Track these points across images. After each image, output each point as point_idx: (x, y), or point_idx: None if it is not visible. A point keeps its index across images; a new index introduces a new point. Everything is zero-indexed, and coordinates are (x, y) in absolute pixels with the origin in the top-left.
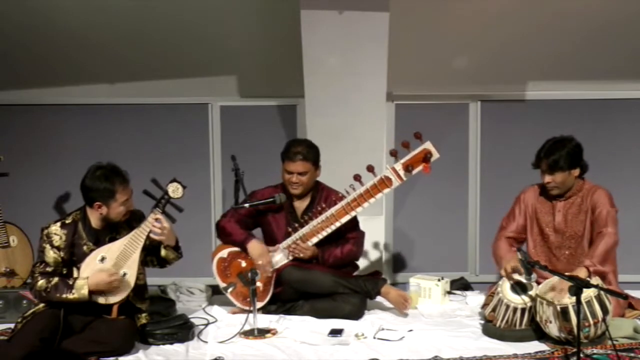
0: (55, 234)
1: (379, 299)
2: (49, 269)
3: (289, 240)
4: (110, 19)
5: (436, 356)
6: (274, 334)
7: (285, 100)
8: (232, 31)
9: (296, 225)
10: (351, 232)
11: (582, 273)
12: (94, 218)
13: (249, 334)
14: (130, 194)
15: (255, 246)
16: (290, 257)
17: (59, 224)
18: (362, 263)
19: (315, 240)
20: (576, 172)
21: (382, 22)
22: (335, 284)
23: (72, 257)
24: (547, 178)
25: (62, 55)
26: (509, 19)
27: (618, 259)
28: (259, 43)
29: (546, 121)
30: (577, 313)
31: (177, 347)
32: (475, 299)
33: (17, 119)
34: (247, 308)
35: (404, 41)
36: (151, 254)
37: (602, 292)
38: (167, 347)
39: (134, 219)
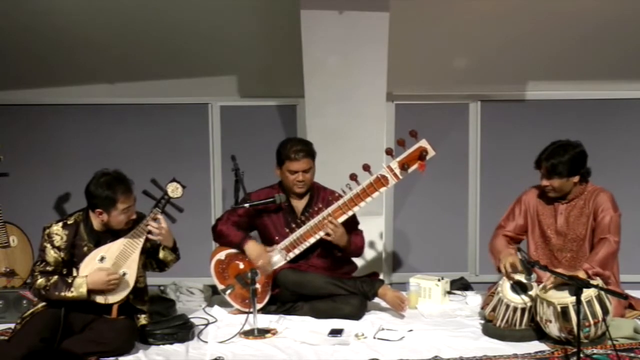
0: (56, 234)
1: (377, 299)
2: (49, 268)
3: (286, 241)
4: (110, 19)
5: (436, 356)
6: (274, 334)
7: (285, 100)
8: (232, 31)
9: (293, 225)
10: (353, 231)
11: (580, 276)
12: (96, 221)
13: (249, 334)
14: (132, 203)
15: (252, 247)
16: (288, 258)
17: (60, 224)
18: (361, 263)
19: (312, 240)
20: (575, 179)
21: (382, 22)
22: (331, 285)
23: (73, 258)
24: (545, 181)
25: (62, 55)
26: (509, 19)
27: (619, 259)
28: (259, 43)
29: (546, 121)
30: (577, 313)
31: (177, 347)
32: (475, 299)
33: (17, 119)
34: (245, 310)
35: (404, 41)
36: (149, 257)
37: (602, 292)
38: (167, 347)
39: (136, 225)
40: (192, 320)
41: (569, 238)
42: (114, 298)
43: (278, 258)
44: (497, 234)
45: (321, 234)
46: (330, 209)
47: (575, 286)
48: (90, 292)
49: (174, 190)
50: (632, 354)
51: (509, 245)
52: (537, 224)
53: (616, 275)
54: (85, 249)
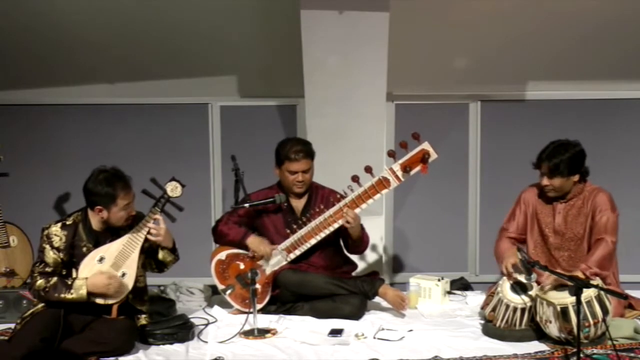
0: (55, 234)
1: (377, 299)
2: (48, 269)
3: (287, 242)
4: (110, 19)
5: (436, 356)
6: (274, 334)
7: (285, 100)
8: (232, 31)
9: (294, 226)
10: None
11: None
12: (95, 220)
13: (249, 334)
14: (132, 199)
15: (254, 239)
16: (288, 259)
17: (59, 224)
18: (361, 263)
19: (313, 241)
20: (575, 178)
21: (382, 22)
22: (331, 285)
23: (72, 259)
24: (545, 181)
25: (62, 55)
26: (509, 19)
27: (619, 259)
28: (259, 43)
29: (546, 121)
30: (577, 313)
31: (177, 347)
32: (475, 299)
33: (17, 119)
34: (245, 310)
35: (404, 41)
36: (149, 257)
37: (602, 292)
38: (167, 347)
39: (135, 223)
40: (192, 320)
41: (567, 237)
42: (113, 299)
43: (278, 259)
44: (501, 237)
45: (335, 225)
46: (331, 211)
47: (575, 286)
48: (90, 294)
49: (173, 189)
50: (632, 354)
51: (513, 245)
52: (536, 223)
53: (616, 275)
54: (85, 249)
